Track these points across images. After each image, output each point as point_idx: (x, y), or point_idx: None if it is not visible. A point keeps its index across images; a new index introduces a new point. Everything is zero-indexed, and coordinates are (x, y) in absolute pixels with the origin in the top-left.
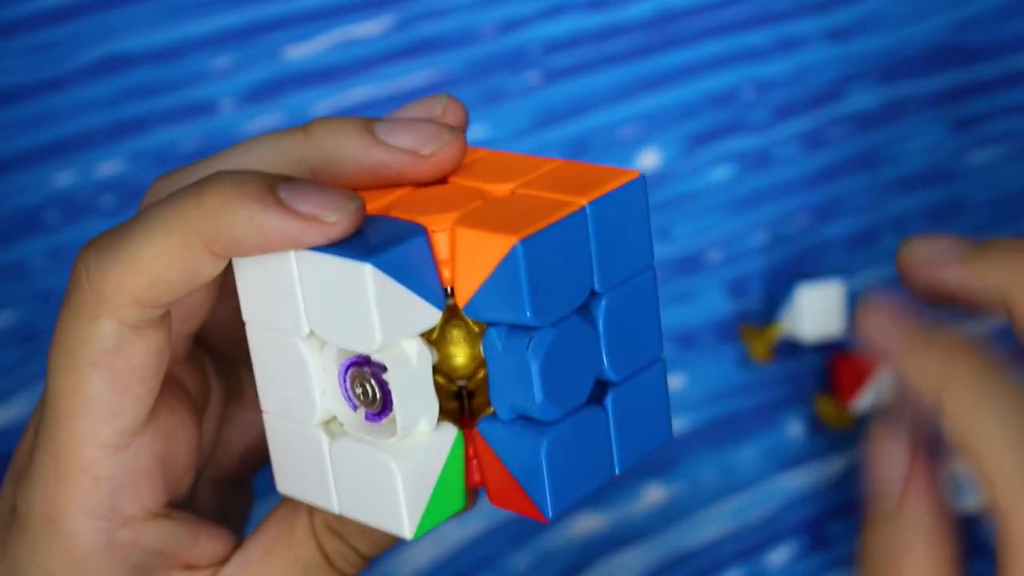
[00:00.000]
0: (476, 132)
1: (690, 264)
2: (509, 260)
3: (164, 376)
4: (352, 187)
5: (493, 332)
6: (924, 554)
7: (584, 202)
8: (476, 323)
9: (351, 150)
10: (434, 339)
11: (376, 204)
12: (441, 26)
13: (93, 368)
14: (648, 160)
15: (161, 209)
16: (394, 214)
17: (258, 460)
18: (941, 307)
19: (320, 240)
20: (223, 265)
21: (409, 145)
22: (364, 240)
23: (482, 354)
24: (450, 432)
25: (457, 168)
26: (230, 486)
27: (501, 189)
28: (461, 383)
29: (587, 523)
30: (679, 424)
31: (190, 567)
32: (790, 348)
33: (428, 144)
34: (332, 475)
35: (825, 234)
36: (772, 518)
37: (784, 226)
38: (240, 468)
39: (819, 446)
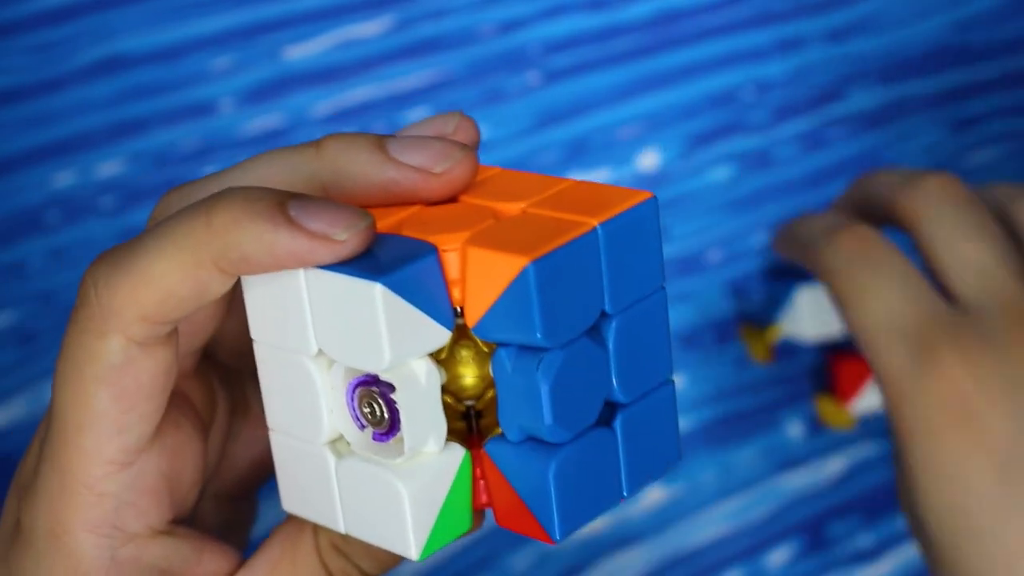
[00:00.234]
0: None
1: (690, 264)
2: (520, 281)
3: (171, 393)
4: (363, 204)
5: (503, 353)
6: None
7: (596, 223)
8: (485, 343)
9: (363, 167)
10: (443, 359)
11: (387, 222)
12: (441, 26)
13: (100, 384)
14: (648, 160)
15: (170, 225)
16: (405, 232)
17: (263, 475)
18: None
19: (330, 258)
20: (232, 282)
21: (421, 163)
22: (374, 259)
23: (491, 375)
24: (458, 453)
25: (468, 187)
26: (233, 501)
27: (512, 208)
28: (469, 403)
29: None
30: (680, 424)
31: None
32: (790, 348)
33: (440, 162)
34: (338, 494)
35: None
36: (772, 518)
37: None
38: (245, 483)
39: (819, 446)
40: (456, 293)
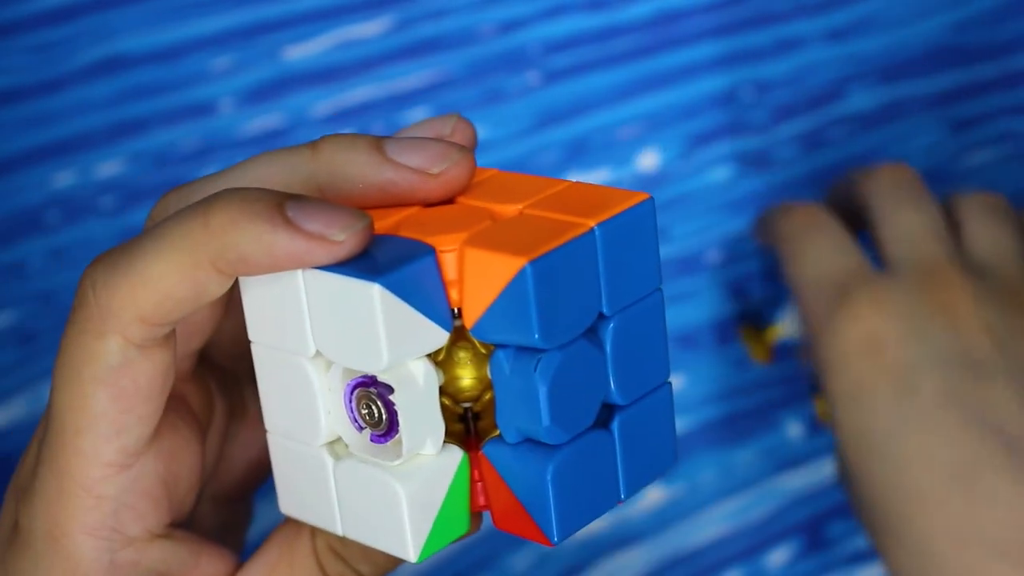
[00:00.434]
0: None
1: (689, 264)
2: (518, 281)
3: (169, 394)
4: (361, 205)
5: (500, 354)
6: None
7: (593, 224)
8: (483, 345)
9: (360, 168)
10: (441, 360)
11: (384, 223)
12: (441, 26)
13: (98, 386)
14: (647, 160)
15: (168, 226)
16: (403, 233)
17: (259, 477)
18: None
19: (328, 259)
20: (230, 283)
21: (418, 164)
22: (372, 260)
23: (489, 376)
24: (456, 455)
25: (466, 188)
26: (230, 503)
27: (510, 210)
28: (467, 405)
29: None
30: (679, 424)
31: None
32: (790, 349)
33: (437, 163)
34: (336, 497)
35: None
36: (772, 518)
37: None
38: (242, 486)
39: (818, 446)
40: (454, 294)
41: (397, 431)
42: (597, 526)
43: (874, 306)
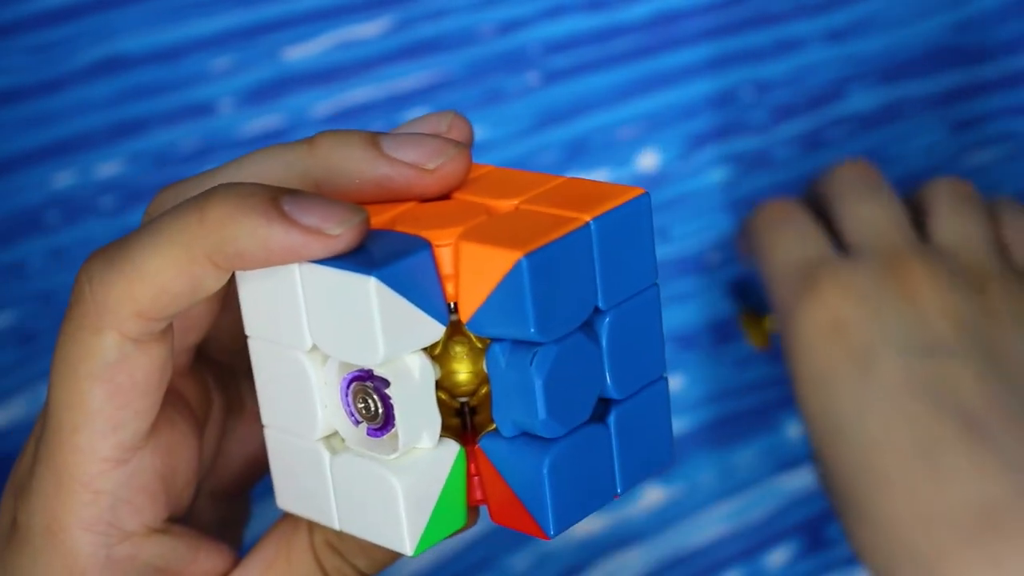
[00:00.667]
0: (476, 133)
1: (689, 265)
2: (513, 275)
3: (166, 390)
4: (357, 201)
5: (496, 348)
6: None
7: (589, 218)
8: (479, 339)
9: (356, 163)
10: (437, 355)
11: (380, 218)
12: (441, 27)
13: (94, 381)
14: (647, 161)
15: (164, 222)
16: (398, 228)
17: (257, 473)
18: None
19: (324, 253)
20: (226, 278)
21: (414, 159)
22: (368, 254)
23: (485, 371)
24: (452, 448)
25: (462, 183)
26: (228, 498)
27: (506, 205)
28: (463, 399)
29: (586, 524)
30: (679, 424)
31: None
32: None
33: (433, 159)
34: (333, 491)
35: None
36: (771, 518)
37: None
38: (239, 481)
39: None
40: (450, 288)
41: (393, 425)
42: (597, 526)
43: (838, 290)
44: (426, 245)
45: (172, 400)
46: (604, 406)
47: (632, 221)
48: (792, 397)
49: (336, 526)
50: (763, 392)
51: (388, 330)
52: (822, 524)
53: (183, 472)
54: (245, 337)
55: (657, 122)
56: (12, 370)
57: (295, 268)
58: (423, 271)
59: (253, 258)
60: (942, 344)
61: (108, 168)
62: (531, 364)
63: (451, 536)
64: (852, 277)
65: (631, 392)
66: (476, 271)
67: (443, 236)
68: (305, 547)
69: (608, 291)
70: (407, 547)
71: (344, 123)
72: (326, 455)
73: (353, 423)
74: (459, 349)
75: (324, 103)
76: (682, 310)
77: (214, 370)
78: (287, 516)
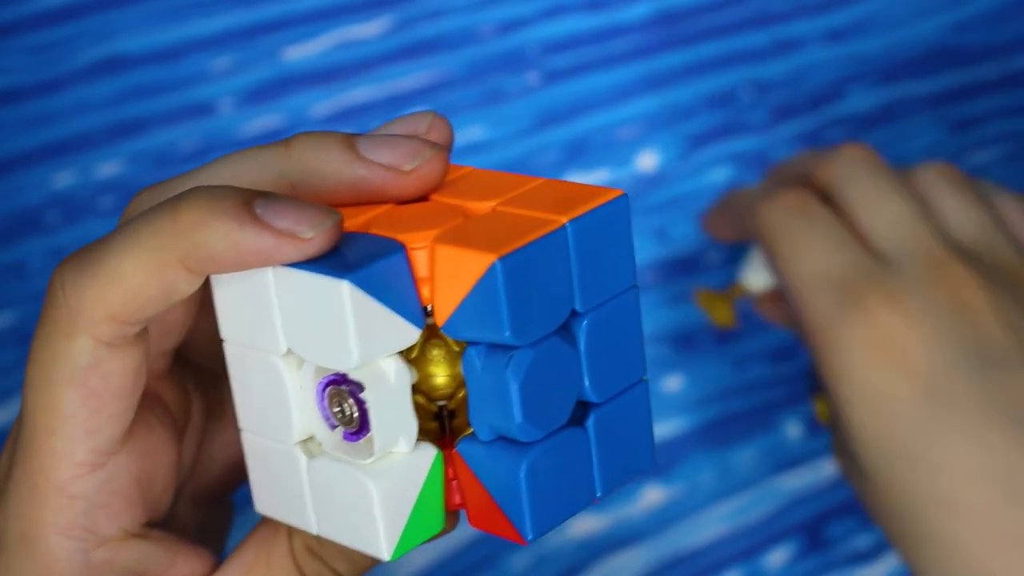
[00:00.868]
0: (475, 133)
1: (689, 265)
2: (488, 278)
3: (143, 394)
4: (333, 203)
5: (472, 351)
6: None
7: (565, 220)
8: (457, 342)
9: (332, 165)
10: (414, 358)
11: (356, 221)
12: (440, 27)
13: (68, 386)
14: (647, 161)
15: (137, 225)
16: (374, 231)
17: (239, 476)
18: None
19: (296, 256)
20: (200, 281)
21: (390, 161)
22: (342, 257)
23: (462, 374)
24: (429, 453)
25: (439, 185)
26: (210, 503)
27: (482, 207)
28: (441, 403)
29: (586, 524)
30: (679, 425)
31: None
32: (791, 348)
33: (409, 160)
34: (310, 495)
35: None
36: (771, 518)
37: None
38: (221, 485)
39: (818, 446)
40: (426, 291)
41: (369, 429)
42: (597, 526)
43: (889, 307)
44: (400, 248)
45: (150, 404)
46: (583, 409)
47: (610, 223)
48: (791, 397)
49: (314, 531)
50: (763, 392)
51: (362, 334)
52: (822, 524)
53: (161, 476)
54: None
55: (657, 122)
56: (12, 370)
57: (268, 272)
58: (397, 274)
59: (225, 262)
60: (1005, 357)
61: (108, 168)
62: (507, 368)
63: (430, 540)
64: (901, 290)
65: (610, 395)
66: (451, 274)
67: (418, 239)
68: (285, 552)
69: (586, 294)
70: (384, 552)
71: (344, 123)
72: (303, 459)
73: (329, 427)
74: (436, 352)
75: (324, 103)
76: (682, 310)
77: (194, 373)
78: (267, 520)
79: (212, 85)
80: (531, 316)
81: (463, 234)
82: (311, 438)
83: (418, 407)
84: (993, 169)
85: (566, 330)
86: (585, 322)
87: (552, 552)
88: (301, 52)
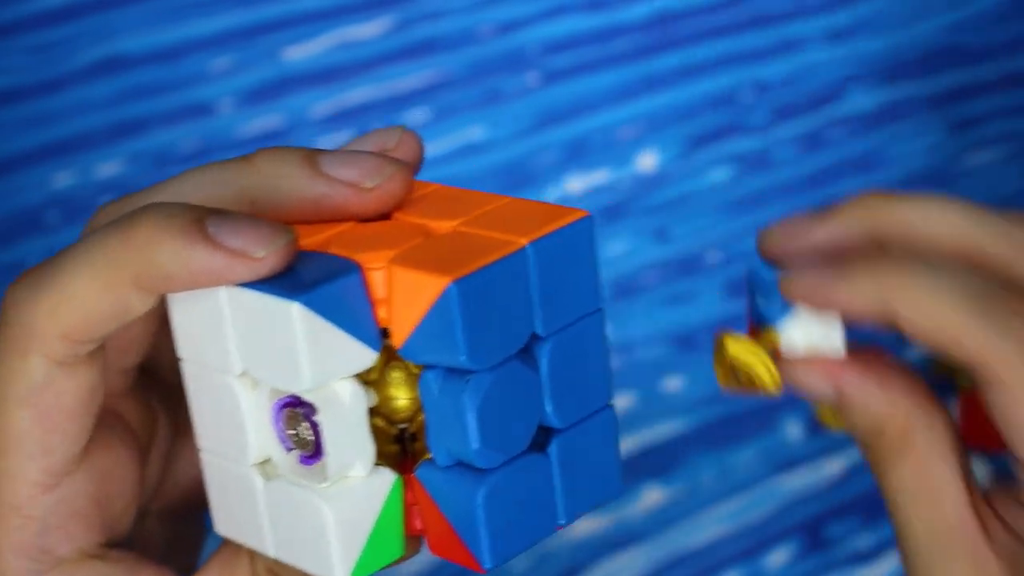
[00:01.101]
0: (475, 133)
1: (689, 265)
2: (443, 301)
3: (100, 412)
4: (294, 220)
5: (429, 375)
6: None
7: (526, 242)
8: (416, 365)
9: (293, 181)
10: (374, 380)
11: (316, 239)
12: (440, 27)
13: (21, 405)
14: (647, 161)
15: (90, 243)
16: (332, 250)
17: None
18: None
19: (248, 276)
20: (153, 300)
21: (351, 178)
22: (295, 277)
23: None
24: (388, 477)
25: (402, 203)
26: (179, 520)
27: (444, 226)
28: (402, 426)
29: (586, 524)
30: (679, 425)
31: None
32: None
33: (371, 177)
34: (267, 518)
35: None
36: (771, 519)
37: None
38: (189, 502)
39: (818, 447)
40: (383, 313)
41: (324, 453)
42: (597, 526)
43: None
44: (355, 269)
45: (110, 422)
46: (546, 435)
47: (573, 244)
48: (792, 399)
49: (271, 553)
50: None
51: (314, 356)
52: (822, 524)
53: (121, 496)
54: None
55: (657, 122)
56: None
57: (222, 291)
58: (352, 295)
59: (177, 281)
60: None
61: (108, 168)
62: (464, 392)
63: (390, 566)
64: None
65: (574, 421)
66: (407, 296)
67: (375, 259)
68: (246, 573)
69: (547, 317)
70: None
71: (344, 123)
72: (259, 481)
73: (285, 449)
74: (396, 375)
75: (324, 103)
76: (682, 310)
77: (161, 391)
78: (228, 541)
79: (212, 85)
80: (489, 340)
81: (420, 255)
82: (268, 460)
83: (378, 430)
84: (993, 169)
85: (528, 354)
86: (547, 346)
87: (552, 552)
88: (301, 52)
